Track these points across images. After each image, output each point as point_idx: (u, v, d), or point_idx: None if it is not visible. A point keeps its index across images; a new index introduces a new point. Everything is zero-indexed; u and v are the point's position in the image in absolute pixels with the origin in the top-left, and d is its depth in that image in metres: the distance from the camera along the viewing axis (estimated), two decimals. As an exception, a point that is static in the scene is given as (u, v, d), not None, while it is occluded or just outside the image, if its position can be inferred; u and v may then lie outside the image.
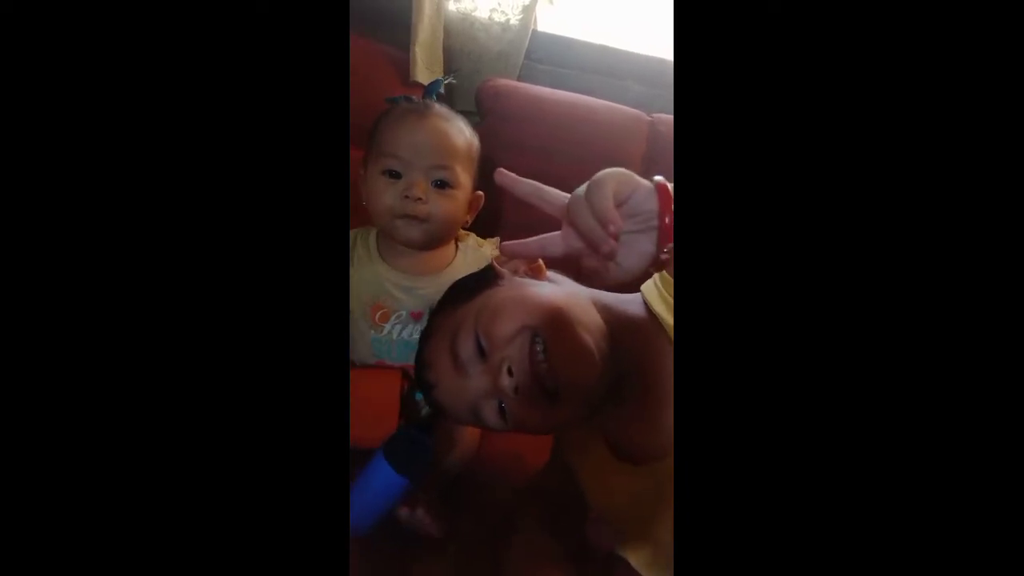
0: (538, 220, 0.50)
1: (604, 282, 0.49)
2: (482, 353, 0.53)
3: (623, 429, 0.60)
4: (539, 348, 0.51)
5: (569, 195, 0.46)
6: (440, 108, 0.78)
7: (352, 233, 0.80)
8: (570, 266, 0.51)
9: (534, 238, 0.50)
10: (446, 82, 0.86)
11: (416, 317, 0.75)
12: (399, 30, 0.96)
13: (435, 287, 0.70)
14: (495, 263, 0.62)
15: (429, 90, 0.82)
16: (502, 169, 0.49)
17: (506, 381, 0.51)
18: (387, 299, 0.75)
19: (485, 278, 0.60)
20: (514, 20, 1.04)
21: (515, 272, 0.61)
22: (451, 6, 1.03)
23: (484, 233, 0.86)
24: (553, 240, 0.49)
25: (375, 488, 0.61)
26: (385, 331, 0.75)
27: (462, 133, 0.77)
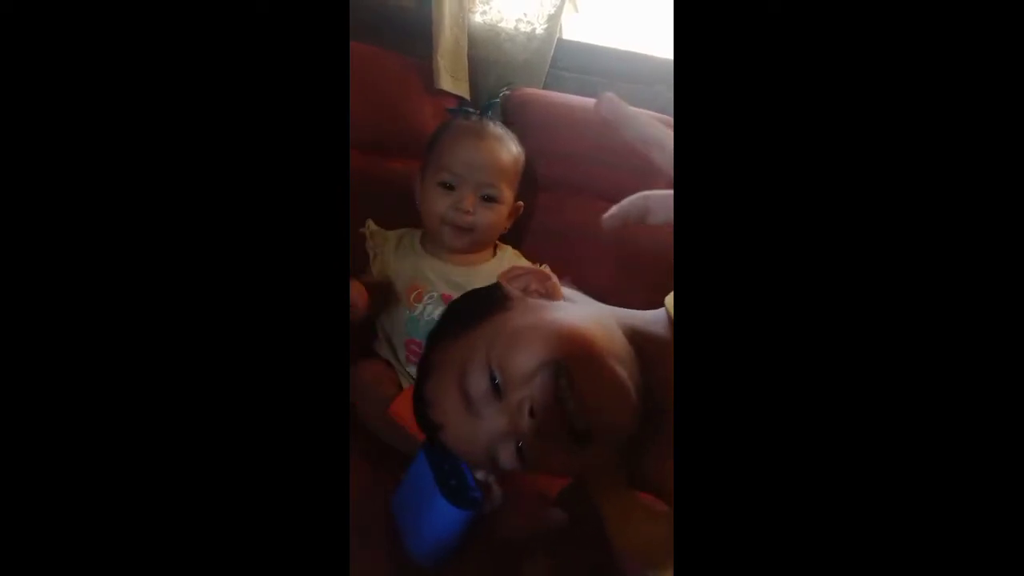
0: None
1: None
2: (497, 390, 0.46)
3: (658, 467, 0.52)
4: (564, 384, 0.44)
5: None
6: (495, 128, 0.87)
7: (399, 232, 0.89)
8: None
9: (634, 198, 0.38)
10: (502, 93, 0.97)
11: (446, 300, 0.81)
12: (424, 43, 0.97)
13: (467, 278, 0.81)
14: (502, 281, 0.55)
15: (486, 107, 0.92)
16: (606, 216, 0.39)
17: (526, 423, 0.44)
18: (422, 281, 0.83)
19: (492, 299, 0.52)
20: (540, 29, 1.04)
21: (526, 291, 0.54)
22: (477, 17, 1.04)
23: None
24: (660, 202, 0.38)
25: (440, 528, 0.59)
26: (418, 310, 0.82)
27: (511, 153, 0.86)
